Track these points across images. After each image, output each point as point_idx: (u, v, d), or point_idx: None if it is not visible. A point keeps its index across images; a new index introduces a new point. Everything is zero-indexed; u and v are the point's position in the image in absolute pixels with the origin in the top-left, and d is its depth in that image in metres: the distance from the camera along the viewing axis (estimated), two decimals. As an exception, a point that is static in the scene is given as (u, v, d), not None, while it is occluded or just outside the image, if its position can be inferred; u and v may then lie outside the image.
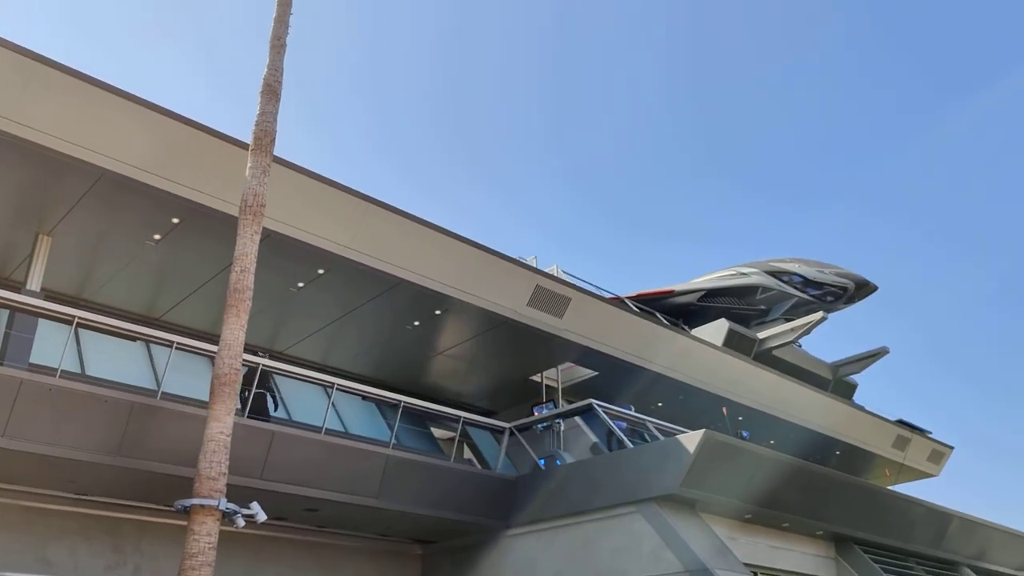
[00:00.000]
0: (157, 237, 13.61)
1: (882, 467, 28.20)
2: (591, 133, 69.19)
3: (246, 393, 13.89)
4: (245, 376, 13.90)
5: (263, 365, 14.27)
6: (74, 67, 11.37)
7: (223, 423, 10.18)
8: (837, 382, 27.30)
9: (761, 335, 24.76)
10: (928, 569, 18.57)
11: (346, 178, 13.75)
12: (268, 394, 14.45)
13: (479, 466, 17.44)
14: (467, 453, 18.06)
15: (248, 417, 13.46)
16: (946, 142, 61.10)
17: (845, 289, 26.50)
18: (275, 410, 14.52)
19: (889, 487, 26.22)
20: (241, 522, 10.31)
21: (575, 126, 69.67)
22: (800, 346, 26.28)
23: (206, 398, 10.59)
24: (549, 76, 66.08)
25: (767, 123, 66.68)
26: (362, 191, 14.17)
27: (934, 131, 61.08)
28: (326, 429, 14.39)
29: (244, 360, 11.05)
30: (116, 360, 13.63)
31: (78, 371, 12.77)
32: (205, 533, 9.64)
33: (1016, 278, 61.56)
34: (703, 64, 64.79)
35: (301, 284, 15.15)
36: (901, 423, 28.06)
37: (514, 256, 17.12)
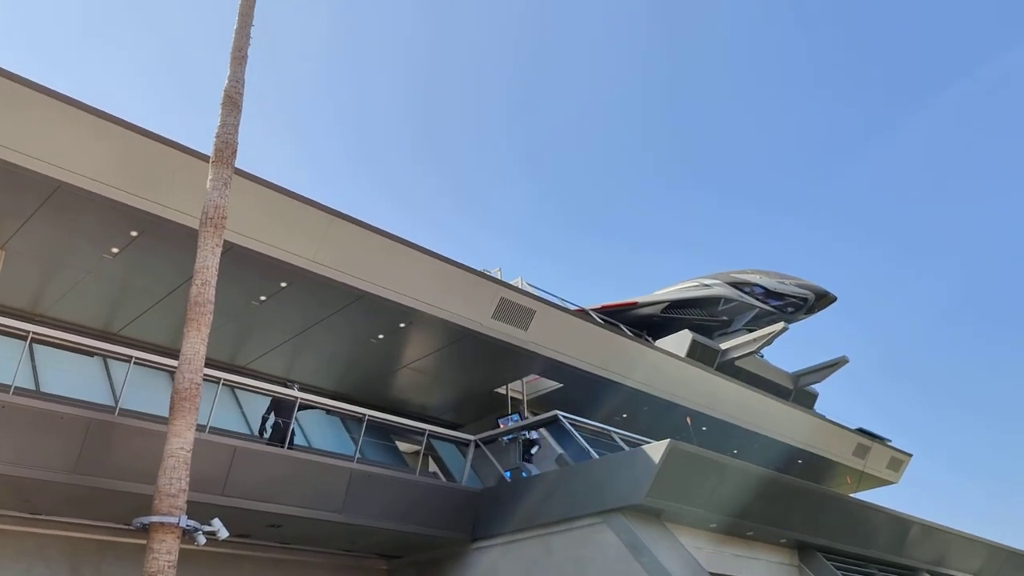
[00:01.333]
0: (115, 250, 13.39)
1: (843, 475, 28.59)
2: (560, 141, 69.81)
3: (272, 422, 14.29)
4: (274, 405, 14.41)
5: (300, 399, 14.49)
6: (25, 76, 11.17)
7: (183, 438, 10.01)
8: (798, 392, 27.69)
9: (724, 346, 25.05)
10: (888, 574, 18.82)
11: (313, 188, 13.70)
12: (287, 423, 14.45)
13: (444, 479, 17.35)
14: (432, 466, 17.98)
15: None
16: (900, 153, 62.52)
17: (805, 300, 26.93)
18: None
19: (850, 494, 26.61)
20: (202, 539, 10.14)
21: (544, 133, 70.28)
22: (762, 356, 26.60)
23: (166, 413, 10.41)
24: (519, 81, 66.56)
25: (731, 133, 67.72)
26: (325, 203, 14.11)
27: (886, 142, 62.46)
28: (290, 444, 14.21)
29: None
30: (72, 376, 13.34)
31: (33, 388, 12.48)
32: (165, 551, 9.45)
33: (969, 289, 63.18)
34: (667, 77, 65.65)
35: (263, 297, 14.99)
36: (861, 431, 28.50)
37: (479, 267, 17.16)
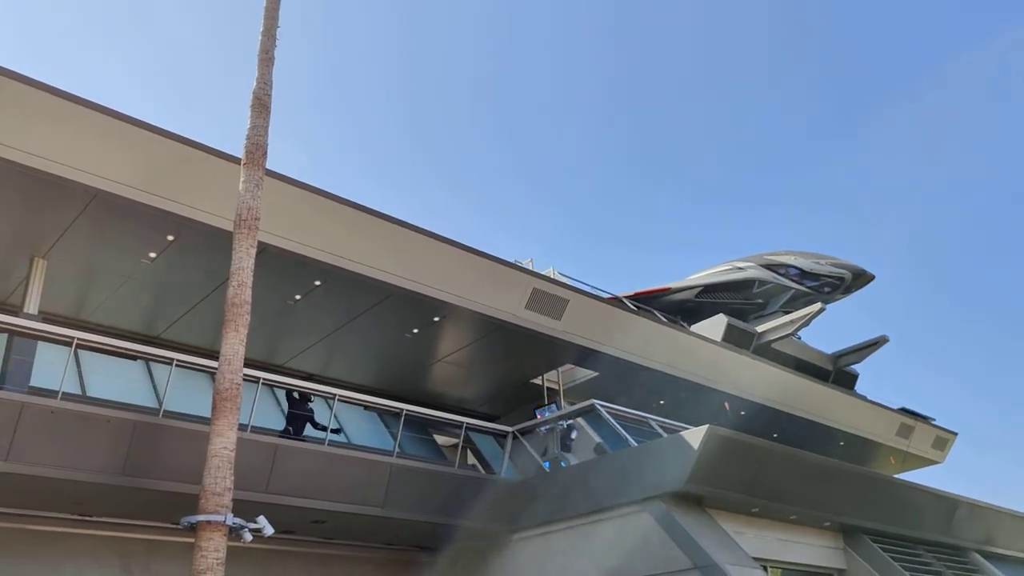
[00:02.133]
0: (153, 255, 13.60)
1: (887, 455, 28.23)
2: (553, 140, 69.73)
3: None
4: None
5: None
6: (62, 88, 11.37)
7: (226, 438, 10.16)
8: (838, 373, 27.34)
9: (760, 329, 24.80)
10: (937, 556, 18.54)
11: (319, 183, 13.81)
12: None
13: (483, 471, 17.43)
14: (471, 459, 18.05)
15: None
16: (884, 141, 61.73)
17: (842, 279, 26.60)
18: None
19: (895, 475, 26.25)
20: (248, 536, 10.27)
21: (536, 133, 70.10)
22: (799, 338, 26.32)
23: (208, 414, 10.57)
24: (495, 76, 66.50)
25: (707, 129, 67.24)
26: (355, 200, 14.20)
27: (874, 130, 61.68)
28: (329, 440, 14.37)
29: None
30: (117, 380, 13.60)
31: (79, 392, 12.75)
32: (213, 549, 9.61)
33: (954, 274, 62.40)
34: (640, 70, 65.24)
35: (298, 296, 15.14)
36: (904, 411, 28.09)
37: (510, 259, 17.13)
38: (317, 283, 14.71)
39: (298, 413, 14.73)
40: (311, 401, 15.04)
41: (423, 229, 15.00)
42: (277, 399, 15.38)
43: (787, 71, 64.86)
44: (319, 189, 13.80)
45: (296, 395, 14.86)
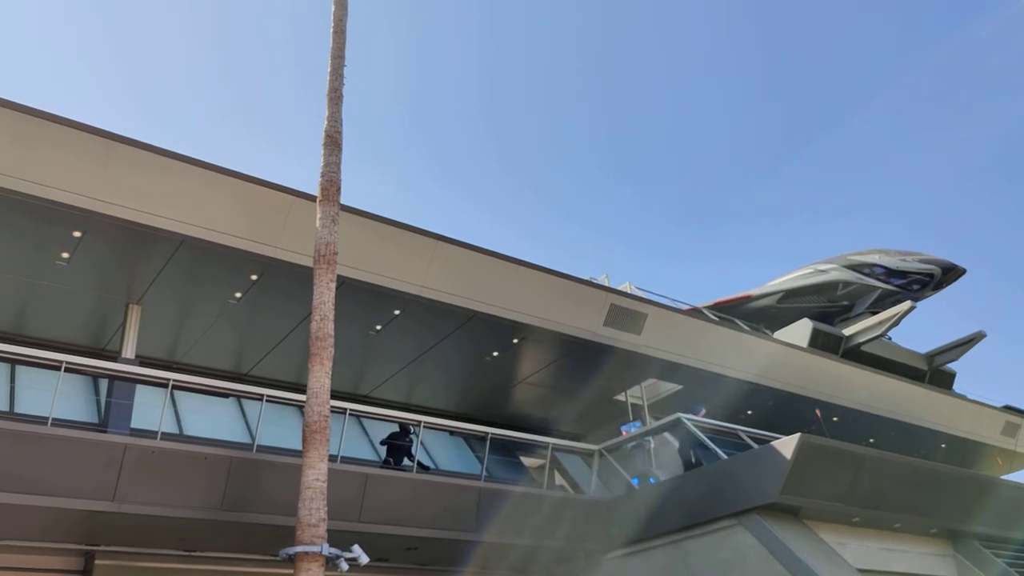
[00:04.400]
0: (238, 295, 14.05)
1: (993, 456, 26.91)
2: (650, 142, 68.89)
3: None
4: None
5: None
6: (145, 141, 11.93)
7: (318, 470, 10.35)
8: (933, 372, 26.24)
9: (847, 331, 24.07)
10: (1056, 560, 17.55)
11: (390, 194, 14.07)
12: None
13: (572, 491, 17.30)
14: (559, 479, 17.96)
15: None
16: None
17: (931, 275, 25.61)
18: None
19: (1003, 476, 25.00)
20: (345, 566, 10.40)
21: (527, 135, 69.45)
22: (890, 339, 25.41)
23: (299, 447, 10.81)
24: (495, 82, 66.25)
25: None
26: (428, 228, 14.41)
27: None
28: (417, 469, 14.51)
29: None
30: (211, 418, 14.06)
31: (176, 432, 13.20)
32: (311, 579, 9.78)
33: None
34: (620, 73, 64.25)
35: (379, 327, 15.40)
36: (1008, 408, 26.75)
37: (585, 276, 17.08)
38: (397, 312, 14.93)
39: (398, 444, 15.01)
40: (412, 433, 15.24)
41: (497, 252, 15.11)
42: (364, 429, 15.63)
43: (808, 58, 63.01)
44: (392, 220, 14.05)
45: (399, 427, 15.09)
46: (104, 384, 13.74)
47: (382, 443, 15.07)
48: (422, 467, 14.79)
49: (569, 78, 66.22)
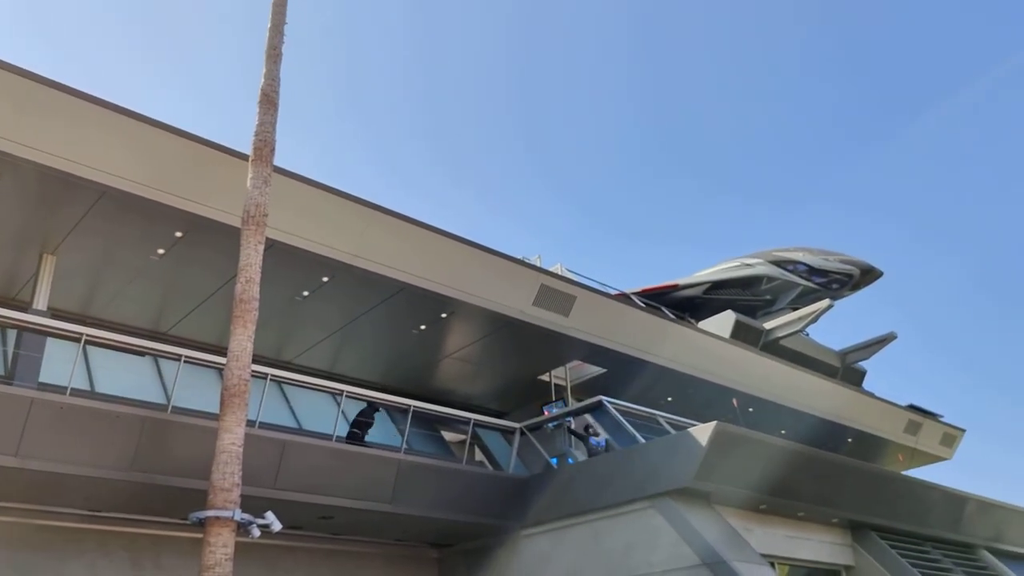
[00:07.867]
0: (161, 251, 13.63)
1: (895, 452, 28.13)
2: (568, 135, 69.50)
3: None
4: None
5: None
6: (68, 84, 11.40)
7: (234, 434, 10.18)
8: (846, 369, 27.25)
9: (768, 325, 24.72)
10: (946, 553, 18.48)
11: (330, 181, 13.83)
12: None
13: (491, 468, 17.44)
14: (479, 455, 18.07)
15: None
16: (921, 142, 61.36)
17: (850, 276, 26.47)
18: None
19: (903, 472, 26.18)
20: (256, 532, 10.30)
21: (550, 129, 69.89)
22: (807, 335, 26.22)
23: (216, 410, 10.60)
24: (518, 76, 66.32)
25: (745, 124, 66.95)
26: (362, 197, 14.21)
27: (908, 131, 61.35)
28: (337, 436, 14.40)
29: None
30: (125, 376, 13.66)
31: (88, 388, 12.78)
32: (221, 544, 9.64)
33: (991, 268, 62.16)
34: (676, 62, 64.98)
35: (306, 293, 15.16)
36: (912, 408, 27.98)
37: (517, 256, 17.11)
38: (325, 279, 14.72)
39: (364, 421, 15.25)
40: (378, 411, 15.59)
41: (430, 225, 15.00)
42: (285, 395, 15.43)
43: (815, 65, 64.33)
44: (327, 186, 13.81)
45: (367, 404, 15.45)
46: (13, 335, 13.18)
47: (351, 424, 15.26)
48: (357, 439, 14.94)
49: (597, 68, 65.67)
